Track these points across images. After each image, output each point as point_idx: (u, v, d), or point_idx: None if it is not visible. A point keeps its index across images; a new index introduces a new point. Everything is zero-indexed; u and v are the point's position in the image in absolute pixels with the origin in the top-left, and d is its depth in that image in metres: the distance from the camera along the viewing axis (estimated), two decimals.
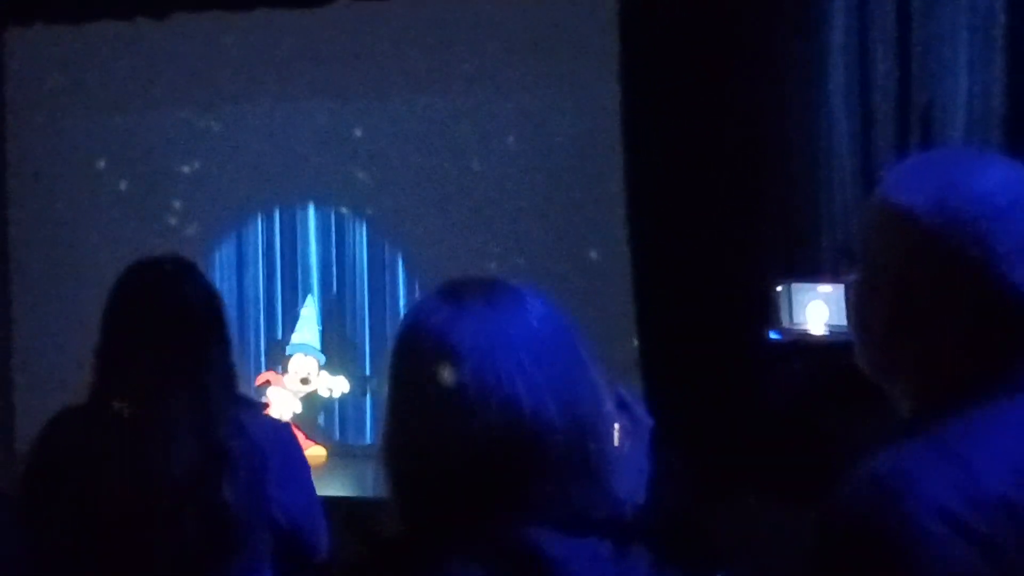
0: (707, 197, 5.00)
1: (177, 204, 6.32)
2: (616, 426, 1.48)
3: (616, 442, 1.47)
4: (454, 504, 1.26)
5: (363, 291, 6.21)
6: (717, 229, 4.91)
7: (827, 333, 4.25)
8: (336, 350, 6.12)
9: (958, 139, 4.36)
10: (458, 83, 5.98)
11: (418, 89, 6.05)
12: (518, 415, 1.24)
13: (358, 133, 6.19)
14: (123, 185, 6.56)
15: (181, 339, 2.37)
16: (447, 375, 1.25)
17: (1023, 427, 1.25)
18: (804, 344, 4.26)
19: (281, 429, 2.52)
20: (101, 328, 2.42)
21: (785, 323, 4.33)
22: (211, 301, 2.45)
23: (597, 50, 5.54)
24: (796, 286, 4.37)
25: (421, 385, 1.28)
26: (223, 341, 2.43)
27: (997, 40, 4.16)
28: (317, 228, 6.27)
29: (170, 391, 2.33)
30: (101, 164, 6.54)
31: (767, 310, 4.44)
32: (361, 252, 6.24)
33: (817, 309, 4.33)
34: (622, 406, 1.50)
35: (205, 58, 6.25)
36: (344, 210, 6.23)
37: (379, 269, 6.18)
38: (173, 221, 6.29)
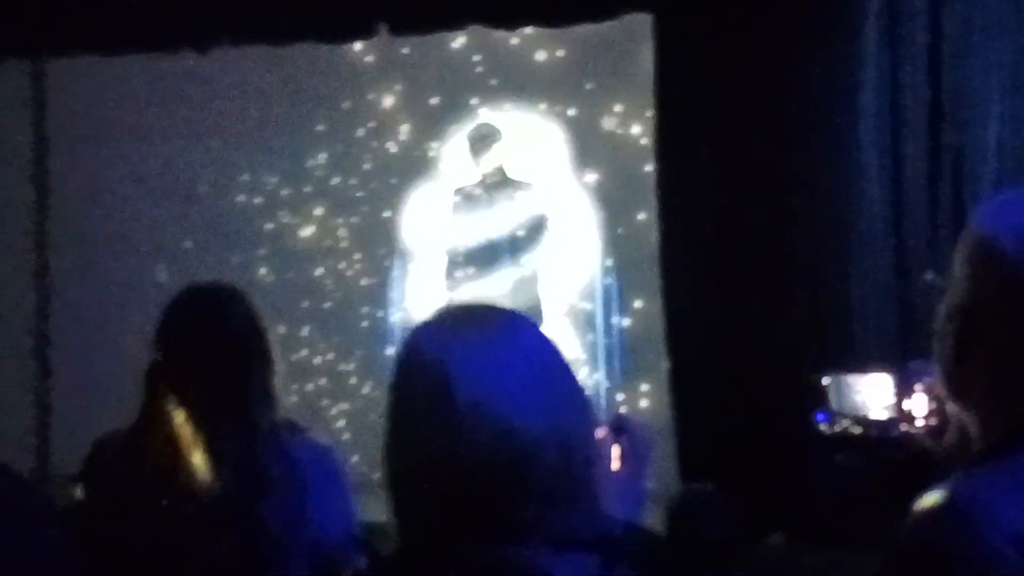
0: (738, 278, 5.04)
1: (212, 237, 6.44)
2: (616, 449, 1.52)
3: (615, 464, 1.51)
4: (448, 523, 1.29)
5: None
6: (749, 317, 4.94)
7: (874, 424, 4.15)
8: None
9: (988, 185, 4.38)
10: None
11: None
12: (510, 438, 1.27)
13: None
14: (158, 213, 6.67)
15: (226, 364, 2.42)
16: (442, 399, 1.29)
17: None
18: (850, 434, 4.17)
19: (324, 453, 2.54)
20: (151, 352, 2.47)
21: (833, 412, 4.23)
22: (256, 327, 2.49)
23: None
24: (843, 376, 4.27)
25: (416, 408, 1.32)
26: (267, 366, 2.47)
27: None
28: None
29: (215, 415, 2.38)
30: (138, 191, 6.65)
31: (812, 399, 4.36)
32: None
33: (864, 399, 4.23)
34: (621, 430, 1.53)
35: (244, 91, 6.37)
36: None
37: None
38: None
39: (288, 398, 2.52)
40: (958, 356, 1.35)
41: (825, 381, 4.10)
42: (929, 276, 4.35)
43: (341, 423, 6.55)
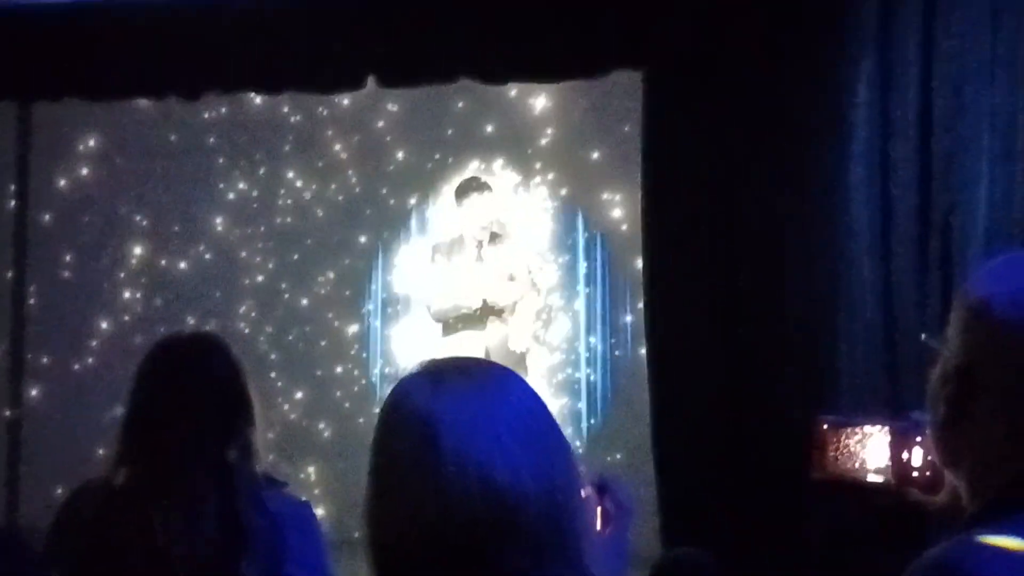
0: (729, 328, 5.03)
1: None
2: (599, 509, 1.51)
3: (598, 525, 1.51)
4: (431, 574, 1.27)
5: None
6: (740, 364, 4.92)
7: (869, 474, 4.13)
8: None
9: (978, 247, 4.39)
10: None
11: None
12: (496, 491, 1.26)
13: None
14: (139, 254, 6.66)
15: (206, 416, 2.39)
16: (429, 452, 1.27)
17: None
18: (846, 484, 4.16)
19: (301, 508, 2.52)
20: (128, 401, 2.44)
21: (830, 464, 4.21)
22: (237, 378, 2.46)
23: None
24: (841, 425, 4.25)
25: (402, 461, 1.30)
26: (248, 419, 2.44)
27: (1018, 148, 4.20)
28: None
29: (193, 467, 2.34)
30: (120, 232, 6.66)
31: (808, 448, 4.33)
32: None
33: (864, 450, 4.21)
34: (605, 490, 1.53)
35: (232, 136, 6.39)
36: None
37: None
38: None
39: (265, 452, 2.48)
40: (950, 419, 1.36)
41: (823, 428, 4.08)
42: (924, 337, 4.33)
43: (312, 478, 6.52)
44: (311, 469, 6.59)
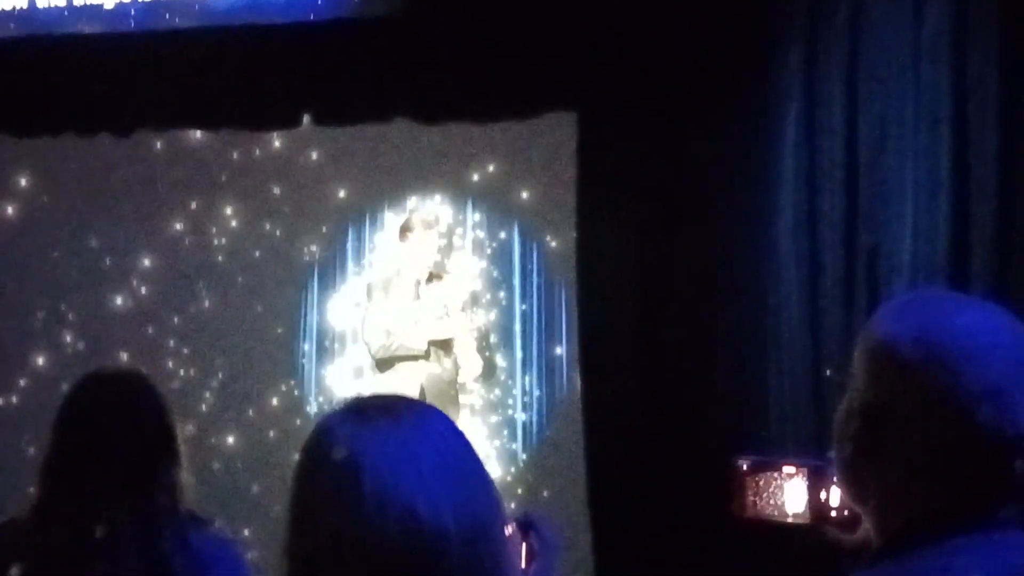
0: (659, 365, 5.06)
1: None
2: (523, 546, 1.51)
3: (523, 562, 1.50)
4: None
5: None
6: (669, 401, 4.95)
7: (788, 514, 4.15)
8: None
9: (903, 283, 4.46)
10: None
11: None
12: (417, 527, 1.25)
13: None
14: (76, 296, 6.59)
15: (130, 454, 2.36)
16: (350, 488, 1.27)
17: (981, 568, 1.27)
18: (766, 524, 4.18)
19: (226, 546, 2.49)
20: (50, 438, 2.41)
21: (749, 505, 4.23)
22: (163, 416, 2.44)
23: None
24: (759, 466, 4.28)
25: (323, 498, 1.29)
26: (173, 456, 2.41)
27: (943, 186, 4.29)
28: None
29: (114, 508, 2.31)
30: (62, 273, 6.59)
31: (728, 489, 4.37)
32: None
33: (783, 491, 4.23)
34: (529, 527, 1.53)
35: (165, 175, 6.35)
36: None
37: None
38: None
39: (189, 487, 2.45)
40: (856, 457, 1.37)
41: (741, 469, 4.09)
42: (829, 373, 4.40)
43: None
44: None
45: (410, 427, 1.33)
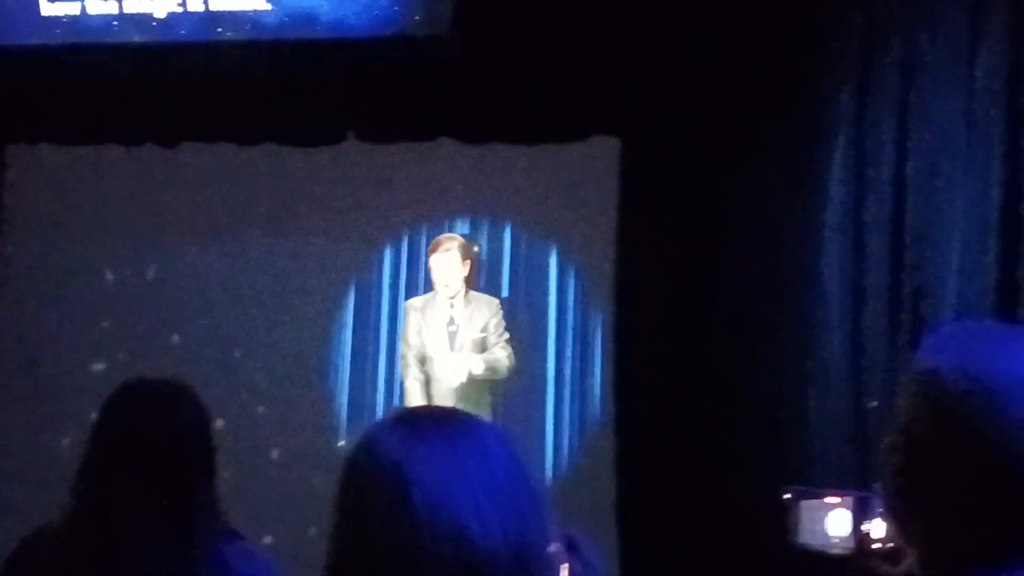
0: (699, 402, 5.02)
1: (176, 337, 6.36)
2: (566, 567, 1.48)
3: None
4: None
5: None
6: (710, 437, 4.90)
7: (834, 546, 4.08)
8: None
9: (946, 320, 4.41)
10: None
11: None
12: (468, 548, 1.23)
13: None
14: (113, 308, 6.58)
15: (168, 468, 2.32)
16: (399, 501, 1.24)
17: None
18: (810, 555, 4.12)
19: (263, 563, 2.46)
20: (86, 448, 2.37)
21: (797, 536, 4.18)
22: (203, 430, 2.40)
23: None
24: (803, 496, 4.22)
25: (371, 511, 1.27)
26: (211, 472, 2.38)
27: (992, 227, 4.24)
28: None
29: (148, 522, 2.28)
30: (93, 285, 6.57)
31: (777, 520, 4.32)
32: None
33: (828, 522, 4.16)
34: (573, 549, 1.51)
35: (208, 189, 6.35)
36: None
37: None
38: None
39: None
40: (900, 491, 1.35)
41: (785, 501, 4.05)
42: (873, 404, 4.36)
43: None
44: None
45: (460, 440, 1.31)
